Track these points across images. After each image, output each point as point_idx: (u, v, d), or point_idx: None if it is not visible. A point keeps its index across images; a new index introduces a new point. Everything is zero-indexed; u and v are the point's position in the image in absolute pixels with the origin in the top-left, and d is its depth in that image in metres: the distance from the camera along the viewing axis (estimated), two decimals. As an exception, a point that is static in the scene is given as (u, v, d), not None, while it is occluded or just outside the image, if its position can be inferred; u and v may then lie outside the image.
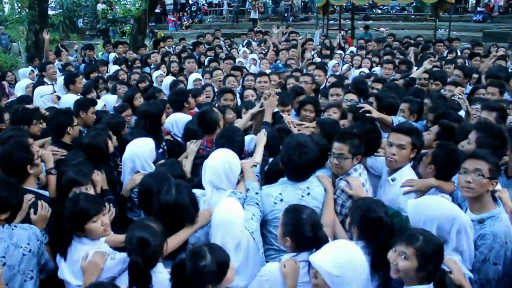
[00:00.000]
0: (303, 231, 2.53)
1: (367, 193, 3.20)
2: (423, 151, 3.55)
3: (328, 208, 3.07)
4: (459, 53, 9.68)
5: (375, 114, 4.32)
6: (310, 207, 2.74)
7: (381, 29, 18.41)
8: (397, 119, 4.38)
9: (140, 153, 3.62)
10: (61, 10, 19.15)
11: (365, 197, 2.96)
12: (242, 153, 3.74)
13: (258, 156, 3.62)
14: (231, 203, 2.80)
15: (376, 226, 2.58)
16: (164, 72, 7.68)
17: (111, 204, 3.21)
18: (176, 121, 4.69)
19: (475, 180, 2.77)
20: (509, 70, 6.94)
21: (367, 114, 4.26)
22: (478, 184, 2.77)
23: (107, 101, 5.72)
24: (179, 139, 4.63)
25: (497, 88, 5.35)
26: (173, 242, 2.75)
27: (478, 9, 21.31)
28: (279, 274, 2.50)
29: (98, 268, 2.56)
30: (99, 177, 3.41)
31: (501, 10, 21.98)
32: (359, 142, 3.27)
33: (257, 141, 3.80)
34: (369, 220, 2.62)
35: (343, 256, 2.23)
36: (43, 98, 5.62)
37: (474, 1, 23.82)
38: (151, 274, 2.45)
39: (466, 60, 8.38)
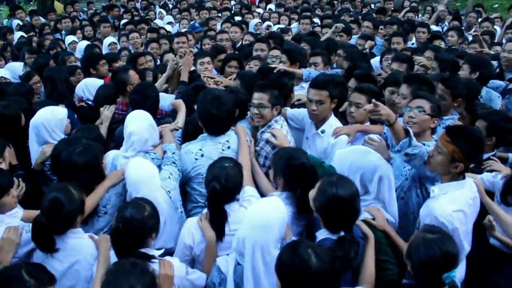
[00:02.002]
0: None
1: (290, 144, 3.26)
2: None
3: (242, 151, 3.09)
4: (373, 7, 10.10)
5: (285, 67, 4.37)
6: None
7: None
8: (307, 71, 4.50)
9: (45, 121, 3.35)
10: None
11: (286, 147, 3.02)
12: (157, 110, 3.68)
13: (180, 121, 3.55)
14: (139, 160, 2.81)
15: (300, 173, 2.63)
16: (78, 38, 7.27)
17: (20, 179, 3.04)
18: (86, 86, 4.49)
19: (417, 116, 2.97)
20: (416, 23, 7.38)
21: (279, 67, 4.31)
22: (420, 119, 2.97)
23: (12, 69, 5.31)
24: (92, 104, 4.42)
25: (401, 37, 5.90)
26: (89, 202, 2.69)
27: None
28: (197, 227, 2.57)
29: (14, 243, 2.43)
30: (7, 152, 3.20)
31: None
32: (278, 93, 3.32)
33: (177, 105, 3.70)
34: (292, 168, 2.65)
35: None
36: None
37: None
38: (55, 237, 2.39)
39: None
